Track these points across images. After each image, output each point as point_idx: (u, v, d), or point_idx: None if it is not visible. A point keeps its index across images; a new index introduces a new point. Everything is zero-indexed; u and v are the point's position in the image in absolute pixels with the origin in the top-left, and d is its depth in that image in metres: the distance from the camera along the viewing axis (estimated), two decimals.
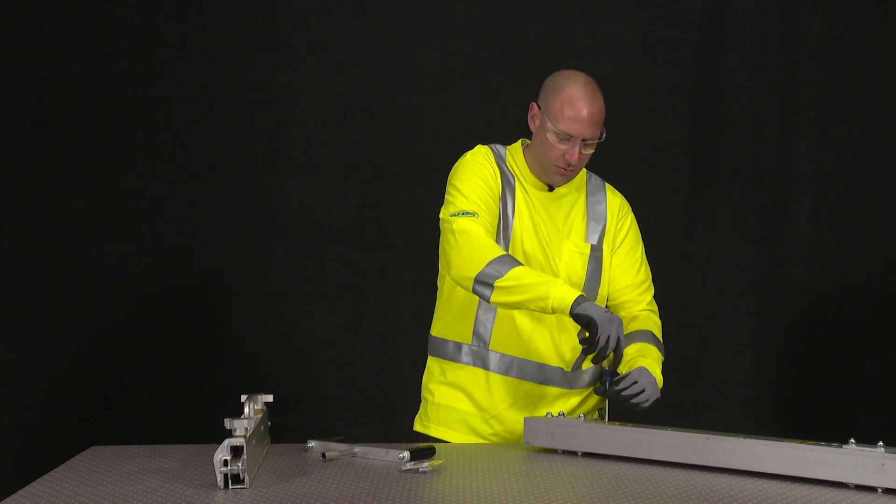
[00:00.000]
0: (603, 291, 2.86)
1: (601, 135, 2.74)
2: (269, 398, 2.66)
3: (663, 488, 2.21)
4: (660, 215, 4.16)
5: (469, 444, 2.79)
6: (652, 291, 2.93)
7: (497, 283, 2.59)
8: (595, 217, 2.86)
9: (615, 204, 2.90)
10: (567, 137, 2.70)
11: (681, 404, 4.18)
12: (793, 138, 4.30)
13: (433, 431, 2.88)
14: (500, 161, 2.83)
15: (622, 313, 2.87)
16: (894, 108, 4.29)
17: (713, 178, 4.32)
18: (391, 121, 4.27)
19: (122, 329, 4.25)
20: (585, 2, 4.29)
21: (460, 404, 2.83)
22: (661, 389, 2.71)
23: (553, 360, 2.80)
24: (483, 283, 2.60)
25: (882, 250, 4.29)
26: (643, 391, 2.64)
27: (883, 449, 2.15)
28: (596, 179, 2.94)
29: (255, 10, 4.25)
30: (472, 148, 2.86)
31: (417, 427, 2.94)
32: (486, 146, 2.85)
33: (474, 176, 2.76)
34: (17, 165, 4.19)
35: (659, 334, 2.86)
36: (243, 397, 2.60)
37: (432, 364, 2.92)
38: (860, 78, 4.28)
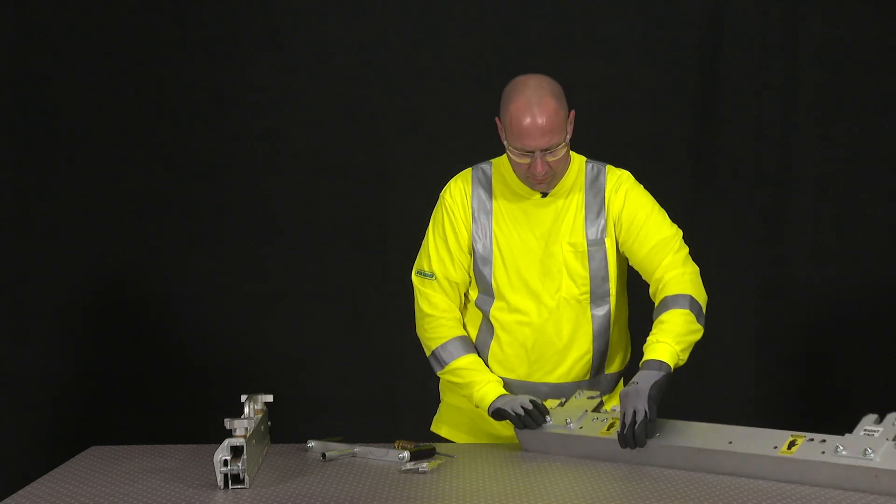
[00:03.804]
0: (614, 285, 2.74)
1: (565, 137, 2.62)
2: (269, 398, 2.66)
3: (663, 488, 2.21)
4: None
5: (469, 444, 2.80)
6: (686, 249, 2.73)
7: (441, 372, 2.78)
8: (595, 210, 2.73)
9: (611, 184, 2.74)
10: (525, 152, 2.60)
11: (681, 404, 4.17)
12: (793, 138, 4.30)
13: (443, 432, 2.91)
14: (479, 186, 2.76)
15: (659, 286, 2.66)
16: (894, 108, 4.29)
17: (713, 178, 4.32)
18: (391, 121, 4.26)
19: (122, 329, 4.25)
20: (585, 2, 4.28)
21: (467, 404, 2.80)
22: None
23: (565, 378, 2.75)
24: (436, 360, 2.77)
25: (882, 250, 4.29)
26: (634, 423, 2.41)
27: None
28: (595, 168, 2.77)
29: (255, 10, 4.25)
30: (465, 157, 2.84)
31: (433, 428, 2.96)
32: (467, 171, 2.80)
33: (440, 227, 2.77)
34: (17, 165, 4.19)
35: (691, 291, 2.63)
36: (243, 397, 2.60)
37: None
38: (860, 78, 4.28)
